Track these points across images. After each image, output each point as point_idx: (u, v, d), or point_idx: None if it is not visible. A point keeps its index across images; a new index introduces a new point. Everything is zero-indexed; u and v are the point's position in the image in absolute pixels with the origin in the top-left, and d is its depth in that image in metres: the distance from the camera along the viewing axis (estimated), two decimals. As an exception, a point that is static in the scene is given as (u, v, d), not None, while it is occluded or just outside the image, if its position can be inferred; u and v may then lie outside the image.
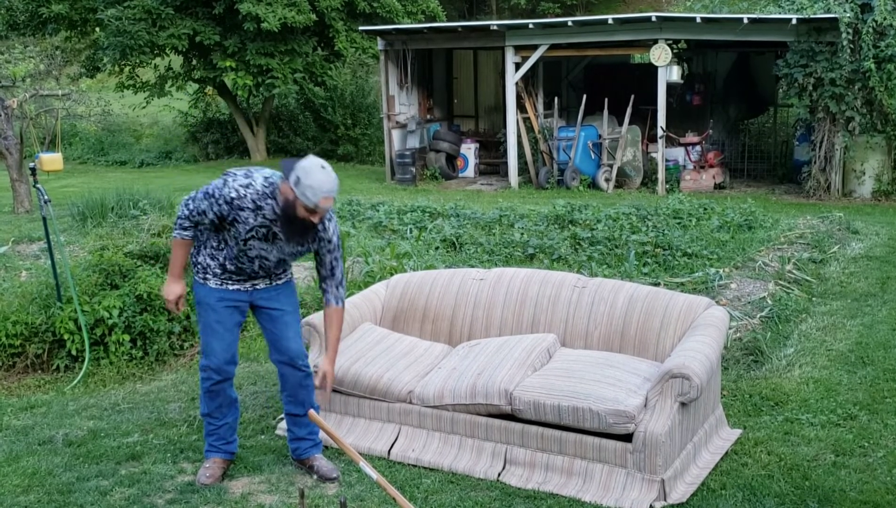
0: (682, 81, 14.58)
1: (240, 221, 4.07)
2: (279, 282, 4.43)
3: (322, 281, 4.37)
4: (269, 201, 4.05)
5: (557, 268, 8.17)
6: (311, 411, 4.09)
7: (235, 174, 4.10)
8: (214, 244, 4.26)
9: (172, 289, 4.38)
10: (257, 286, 4.38)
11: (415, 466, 4.59)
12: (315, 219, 3.98)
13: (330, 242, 4.27)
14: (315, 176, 3.87)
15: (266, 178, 4.09)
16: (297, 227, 4.02)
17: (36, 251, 9.76)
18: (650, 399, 4.28)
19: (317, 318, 5.08)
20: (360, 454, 4.70)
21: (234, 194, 4.03)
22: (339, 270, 4.36)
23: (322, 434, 4.66)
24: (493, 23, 15.18)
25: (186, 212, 4.19)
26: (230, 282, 4.33)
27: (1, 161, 13.87)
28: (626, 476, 4.23)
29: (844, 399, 5.34)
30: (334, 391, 4.88)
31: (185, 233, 4.25)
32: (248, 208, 4.04)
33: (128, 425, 5.25)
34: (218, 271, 4.30)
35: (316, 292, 7.19)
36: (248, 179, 4.07)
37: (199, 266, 4.36)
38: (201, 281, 4.35)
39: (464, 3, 28.34)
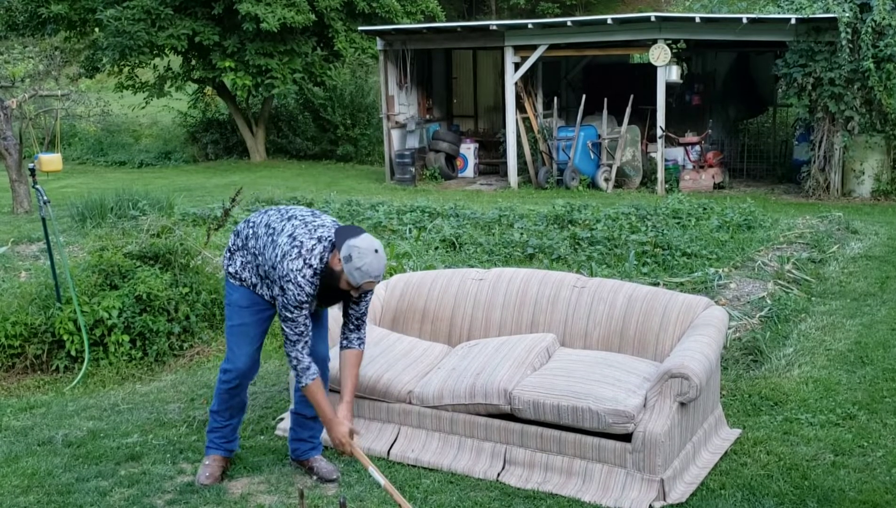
0: (681, 81, 14.58)
1: None
2: None
3: (348, 323, 4.32)
4: (320, 278, 4.04)
5: (557, 268, 8.17)
6: None
7: (301, 272, 3.96)
8: (253, 265, 4.24)
9: (341, 434, 4.12)
10: None
11: (414, 466, 4.59)
12: (355, 294, 4.05)
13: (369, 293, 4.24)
14: (366, 259, 3.90)
15: (321, 260, 4.01)
16: (334, 294, 4.08)
17: (35, 252, 9.76)
18: (649, 399, 4.29)
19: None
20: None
21: (313, 290, 4.00)
22: (368, 311, 4.38)
23: (322, 435, 4.66)
24: (493, 23, 15.18)
25: (301, 342, 4.04)
26: (265, 289, 4.28)
27: (0, 162, 13.86)
28: (625, 476, 4.23)
29: (843, 399, 5.34)
30: (333, 391, 4.88)
31: (311, 371, 4.08)
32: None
33: (127, 425, 5.25)
34: (255, 280, 4.27)
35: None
36: (311, 268, 3.98)
37: (234, 275, 4.31)
38: (236, 283, 4.30)
39: (463, 3, 28.34)
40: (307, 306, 4.02)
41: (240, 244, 4.32)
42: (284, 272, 3.97)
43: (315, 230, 4.08)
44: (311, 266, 3.99)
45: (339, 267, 3.94)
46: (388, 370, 4.82)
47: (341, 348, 4.35)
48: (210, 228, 8.26)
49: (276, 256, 4.06)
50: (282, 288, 3.99)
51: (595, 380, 4.40)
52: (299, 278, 3.96)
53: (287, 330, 4.05)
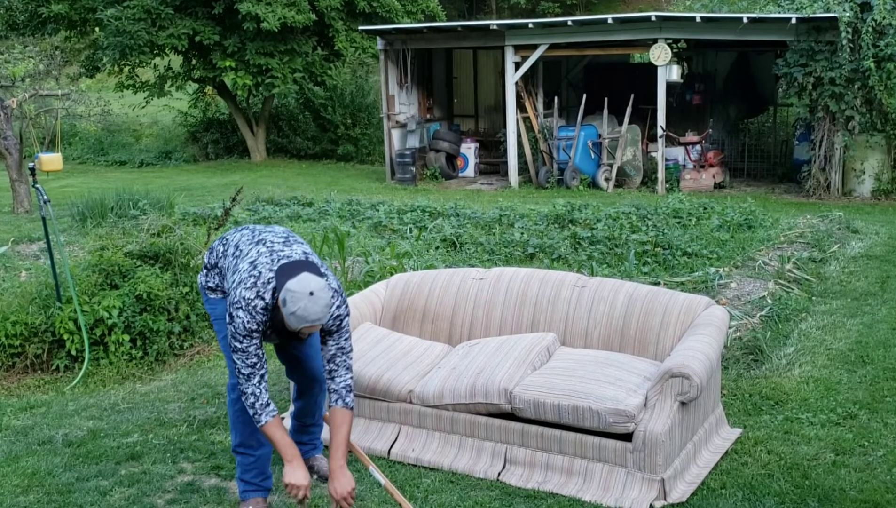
0: (681, 81, 14.58)
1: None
2: None
3: (326, 366, 3.95)
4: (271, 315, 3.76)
5: (557, 267, 8.17)
6: (327, 414, 4.05)
7: (252, 303, 3.67)
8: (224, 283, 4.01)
9: (298, 478, 3.74)
10: None
11: (415, 465, 4.59)
12: (302, 336, 3.73)
13: (343, 323, 3.86)
14: (299, 304, 3.53)
15: (274, 290, 3.69)
16: (289, 334, 3.79)
17: (35, 251, 9.76)
18: (650, 399, 4.28)
19: None
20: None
21: (264, 318, 3.70)
22: (349, 356, 3.91)
23: (322, 434, 4.66)
24: (493, 22, 15.18)
25: (255, 378, 3.71)
26: None
27: (0, 161, 13.86)
28: (626, 476, 4.23)
29: (844, 398, 5.34)
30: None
31: (270, 409, 3.74)
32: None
33: (127, 425, 5.25)
34: None
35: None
36: (263, 300, 3.70)
37: (214, 288, 4.10)
38: (218, 296, 4.09)
39: (464, 2, 28.34)
40: (257, 335, 3.70)
41: (213, 262, 4.11)
42: (236, 299, 3.69)
43: (277, 261, 3.75)
44: (262, 299, 3.69)
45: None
46: (389, 370, 4.82)
47: (329, 408, 3.98)
48: (210, 227, 8.25)
49: (234, 281, 3.81)
50: (230, 315, 3.69)
51: (596, 379, 4.39)
52: (249, 308, 3.67)
53: (238, 363, 3.72)
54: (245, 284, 3.72)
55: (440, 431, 4.66)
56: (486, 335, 5.19)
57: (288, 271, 3.66)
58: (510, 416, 4.49)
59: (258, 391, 3.74)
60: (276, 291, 3.68)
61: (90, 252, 6.82)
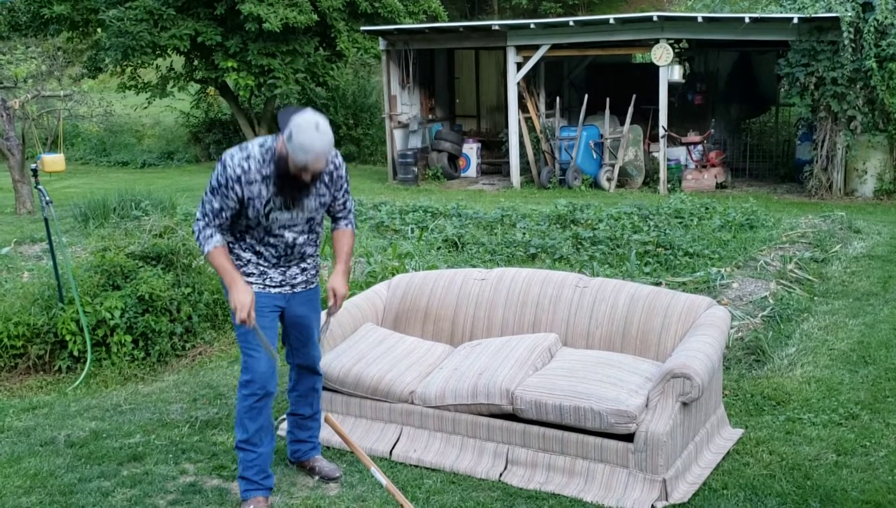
0: (683, 81, 14.58)
1: (254, 196, 3.91)
2: (312, 286, 4.30)
3: (335, 217, 4.29)
4: (272, 166, 3.91)
5: (559, 268, 8.17)
6: (329, 415, 4.07)
7: (231, 154, 3.94)
8: (243, 229, 4.08)
9: (241, 297, 3.89)
10: (295, 289, 4.21)
11: (416, 466, 4.59)
12: (307, 177, 3.87)
13: (342, 181, 4.18)
14: (307, 135, 3.73)
15: (261, 145, 3.95)
16: (290, 183, 3.90)
17: (38, 252, 9.77)
18: (651, 399, 4.28)
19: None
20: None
21: (239, 172, 3.88)
22: (350, 203, 4.32)
23: (323, 435, 4.67)
24: (495, 23, 15.18)
25: (203, 221, 3.97)
26: (270, 282, 4.14)
27: (3, 162, 13.88)
28: (627, 476, 4.23)
29: (846, 399, 5.33)
30: (335, 391, 4.89)
31: (214, 240, 3.97)
32: (256, 180, 3.90)
33: (130, 426, 5.25)
34: (255, 269, 4.11)
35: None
36: (246, 152, 3.93)
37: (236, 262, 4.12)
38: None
39: (465, 2, 28.33)
40: (219, 194, 3.90)
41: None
42: (220, 158, 3.98)
43: (258, 142, 4.05)
44: (244, 149, 3.93)
45: (285, 150, 3.81)
46: (391, 371, 4.82)
47: (335, 231, 4.34)
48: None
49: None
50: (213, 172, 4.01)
51: (597, 380, 4.40)
52: (226, 159, 3.90)
53: (198, 210, 4.02)
54: (231, 150, 3.99)
55: (442, 432, 4.66)
56: (487, 336, 5.20)
57: (290, 111, 3.90)
58: (512, 417, 4.50)
59: (201, 229, 3.99)
60: (264, 142, 3.95)
61: (92, 253, 6.83)
